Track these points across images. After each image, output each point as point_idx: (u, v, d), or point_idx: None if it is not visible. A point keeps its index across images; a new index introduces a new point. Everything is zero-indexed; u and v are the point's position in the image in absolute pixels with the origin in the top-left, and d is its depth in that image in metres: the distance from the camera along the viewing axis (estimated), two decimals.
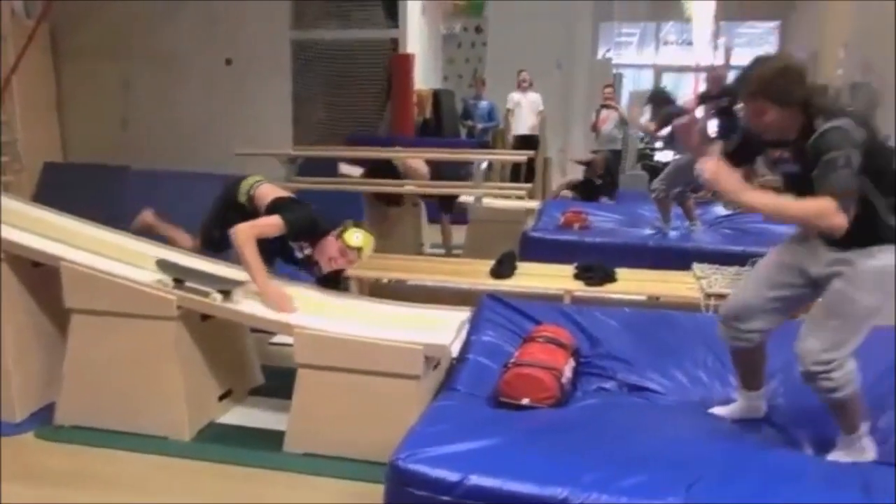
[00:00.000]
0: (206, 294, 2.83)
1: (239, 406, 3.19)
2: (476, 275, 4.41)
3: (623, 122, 7.96)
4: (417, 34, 7.86)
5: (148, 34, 5.59)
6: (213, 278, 2.99)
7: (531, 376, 2.52)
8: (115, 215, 4.37)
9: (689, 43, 11.43)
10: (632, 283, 4.18)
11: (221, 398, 3.12)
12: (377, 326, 2.79)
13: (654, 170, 9.64)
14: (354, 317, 2.94)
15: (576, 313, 3.34)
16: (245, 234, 2.96)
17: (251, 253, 2.95)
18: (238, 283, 2.92)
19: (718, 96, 7.69)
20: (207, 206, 3.60)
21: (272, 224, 3.11)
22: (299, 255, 3.28)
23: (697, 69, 11.15)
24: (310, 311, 2.94)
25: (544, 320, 3.23)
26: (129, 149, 5.33)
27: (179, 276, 2.89)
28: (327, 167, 5.31)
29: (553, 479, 1.85)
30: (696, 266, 4.37)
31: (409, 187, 5.44)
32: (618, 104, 7.94)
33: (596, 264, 4.30)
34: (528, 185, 6.08)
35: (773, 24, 12.00)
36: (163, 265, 2.95)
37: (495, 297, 3.55)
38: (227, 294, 2.85)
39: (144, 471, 2.71)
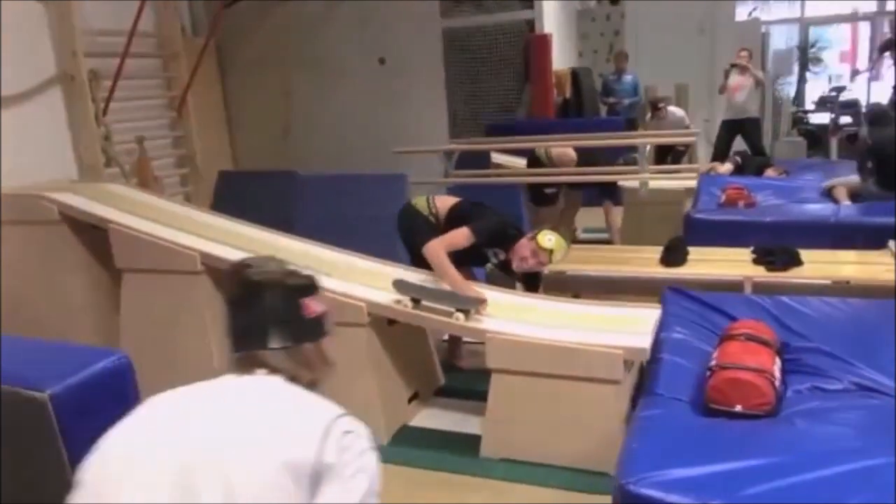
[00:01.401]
0: (448, 314, 2.86)
1: (427, 408, 3.24)
2: (644, 263, 4.25)
3: (759, 85, 7.23)
4: (552, 13, 7.67)
5: (304, 42, 5.77)
6: (450, 297, 2.98)
7: (743, 381, 2.37)
8: (286, 218, 4.58)
9: None
10: (821, 267, 3.87)
11: (410, 400, 3.18)
12: (569, 329, 2.73)
13: (811, 135, 8.98)
14: (543, 318, 2.90)
15: (770, 304, 3.14)
16: (435, 250, 3.07)
17: (445, 265, 3.05)
18: (477, 302, 2.92)
19: None
20: (371, 206, 3.68)
21: (461, 235, 3.16)
22: (494, 260, 3.35)
23: (856, 18, 10.25)
24: (499, 315, 2.92)
25: (735, 313, 3.07)
26: (292, 155, 5.56)
27: (417, 295, 2.94)
28: (482, 160, 5.29)
29: None
30: (893, 244, 4.00)
31: (572, 177, 5.30)
32: (754, 68, 7.17)
33: (777, 247, 4.03)
34: (697, 166, 5.75)
35: None
36: (400, 286, 2.99)
37: (678, 289, 3.40)
38: (467, 313, 2.85)
39: None
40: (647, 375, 2.67)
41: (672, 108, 7.12)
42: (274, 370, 1.25)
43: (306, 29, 5.71)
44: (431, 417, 3.16)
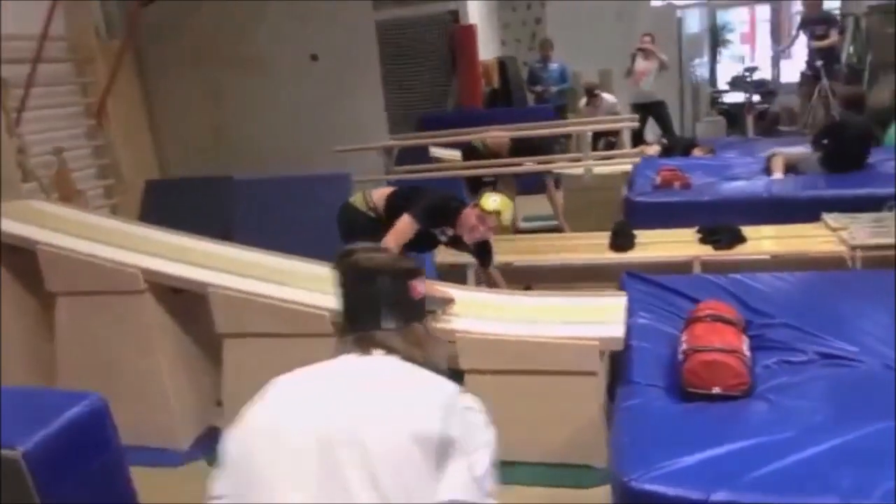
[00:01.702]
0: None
1: None
2: (594, 249, 4.28)
3: (664, 68, 7.35)
4: (475, 3, 7.64)
5: (231, 40, 5.50)
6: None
7: (718, 363, 2.39)
8: (224, 226, 4.37)
9: None
10: (763, 243, 4.00)
11: None
12: (539, 323, 2.69)
13: (728, 114, 9.29)
14: (509, 313, 2.85)
15: (726, 283, 3.21)
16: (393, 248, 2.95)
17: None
18: (444, 302, 2.81)
19: (818, 22, 7.30)
20: (315, 208, 3.54)
21: (404, 224, 3.06)
22: (443, 238, 3.26)
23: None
24: (463, 312, 2.85)
25: (694, 294, 3.11)
26: (224, 159, 5.31)
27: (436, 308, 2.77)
28: (421, 154, 5.20)
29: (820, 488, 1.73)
30: (826, 216, 4.15)
31: (523, 166, 5.28)
32: (658, 52, 7.29)
33: (720, 226, 4.13)
34: (639, 150, 5.83)
35: None
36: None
37: (634, 273, 3.44)
38: (433, 314, 2.70)
39: None
40: (619, 363, 2.67)
41: (604, 95, 7.21)
42: (390, 350, 1.31)
43: (233, 27, 5.46)
44: None
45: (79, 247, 3.14)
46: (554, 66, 7.99)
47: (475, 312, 2.88)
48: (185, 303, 3.12)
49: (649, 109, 7.31)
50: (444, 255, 4.26)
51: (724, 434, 2.03)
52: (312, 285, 3.00)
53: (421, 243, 3.24)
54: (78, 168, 4.52)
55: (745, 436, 2.01)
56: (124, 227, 3.59)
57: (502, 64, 8.02)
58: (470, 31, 7.32)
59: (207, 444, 3.05)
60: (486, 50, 7.98)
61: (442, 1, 6.88)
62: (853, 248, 3.66)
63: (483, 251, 3.44)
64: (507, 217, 3.19)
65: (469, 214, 3.14)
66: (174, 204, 4.55)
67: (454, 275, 4.06)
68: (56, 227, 3.37)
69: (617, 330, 2.58)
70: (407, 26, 6.74)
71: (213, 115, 5.56)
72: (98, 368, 3.14)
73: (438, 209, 3.17)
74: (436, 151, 5.33)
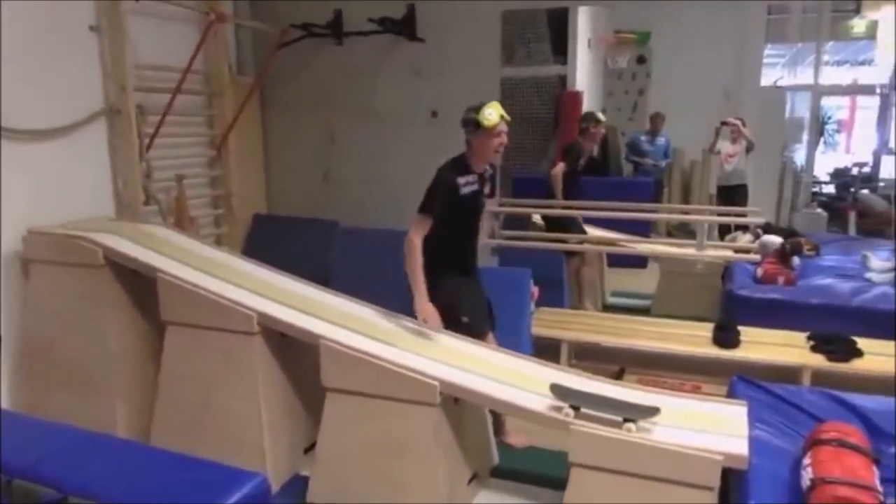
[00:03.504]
0: (616, 424, 2.52)
1: (485, 490, 3.09)
2: (694, 341, 4.14)
3: (750, 150, 7.02)
4: (584, 69, 7.66)
5: (352, 88, 5.65)
6: (615, 404, 2.65)
7: (850, 500, 2.25)
8: (322, 269, 4.42)
9: (862, 62, 10.67)
10: (881, 360, 3.78)
11: (469, 481, 3.02)
12: (661, 426, 2.57)
13: (828, 207, 8.99)
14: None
15: (852, 402, 3.04)
16: (408, 240, 3.12)
17: (411, 263, 3.10)
18: (650, 412, 2.58)
19: None
20: None
21: (418, 220, 3.13)
22: (470, 189, 3.22)
23: (878, 91, 10.37)
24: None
25: (812, 409, 2.96)
26: (330, 203, 5.42)
27: (577, 402, 2.63)
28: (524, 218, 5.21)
29: None
30: None
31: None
32: (747, 133, 7.01)
33: (835, 335, 3.95)
34: (749, 239, 5.67)
35: None
36: (559, 391, 2.70)
37: (746, 379, 3.30)
38: (633, 422, 2.51)
39: None
40: (732, 478, 2.54)
41: (767, 237, 6.78)
42: None
43: (356, 74, 5.60)
44: (491, 501, 3.00)
45: (198, 280, 3.21)
46: (661, 139, 7.92)
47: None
48: (291, 348, 3.14)
49: (733, 193, 7.12)
50: (539, 326, 4.22)
51: None
52: (421, 349, 2.98)
53: (464, 221, 3.25)
54: (194, 196, 4.67)
55: None
56: (240, 263, 3.66)
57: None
58: (576, 97, 7.31)
59: (292, 492, 3.04)
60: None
61: (555, 65, 6.90)
62: None
63: (492, 183, 3.45)
64: (498, 113, 3.12)
65: (476, 146, 3.16)
66: (278, 240, 4.64)
67: (548, 348, 4.00)
68: (175, 256, 3.46)
69: (741, 446, 2.45)
70: (522, 86, 6.80)
71: (325, 158, 5.69)
72: (197, 402, 3.19)
73: (432, 187, 3.15)
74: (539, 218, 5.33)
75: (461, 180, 3.18)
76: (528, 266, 4.28)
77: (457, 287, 3.23)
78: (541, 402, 2.68)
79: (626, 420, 2.52)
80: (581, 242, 5.21)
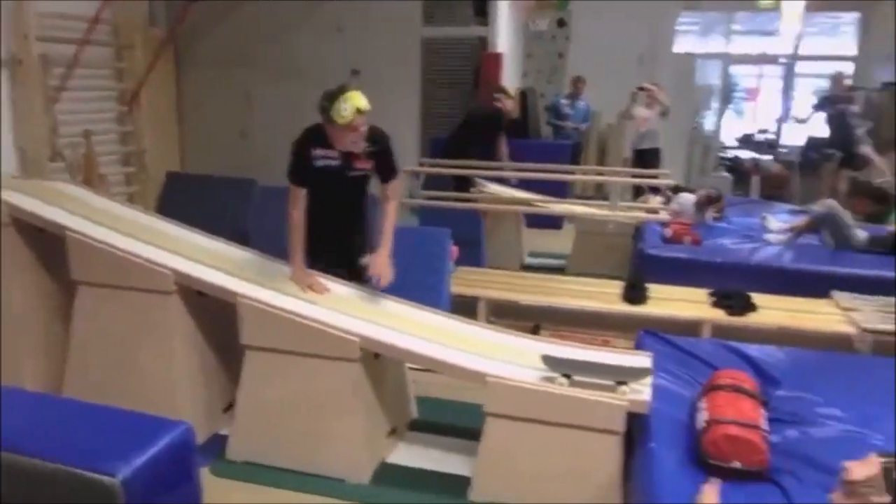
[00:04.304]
0: (610, 389, 2.61)
1: (403, 443, 3.17)
2: (605, 298, 4.33)
3: (665, 114, 7.32)
4: (504, 31, 7.71)
5: (272, 45, 5.49)
6: (608, 369, 2.74)
7: (739, 438, 2.42)
8: (240, 230, 4.35)
9: (769, 33, 11.09)
10: (773, 314, 4.07)
11: (388, 436, 3.10)
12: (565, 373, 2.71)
13: (735, 171, 9.42)
14: (524, 357, 2.87)
15: (742, 351, 3.27)
16: (288, 215, 3.14)
17: (287, 232, 3.16)
18: (639, 372, 2.71)
19: (841, 101, 7.46)
20: None
21: (292, 192, 3.14)
22: (332, 163, 3.10)
23: (782, 61, 10.84)
24: (470, 348, 2.88)
25: (710, 360, 3.17)
26: (248, 161, 5.29)
27: (570, 371, 2.68)
28: (445, 180, 5.26)
29: None
30: (836, 294, 4.25)
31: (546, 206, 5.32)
32: (662, 97, 7.27)
33: (733, 291, 4.21)
34: (661, 200, 5.89)
35: (853, 16, 11.57)
36: (550, 361, 2.74)
37: (652, 332, 3.49)
38: (623, 383, 2.63)
39: None
40: (637, 423, 2.70)
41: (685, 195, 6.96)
42: None
43: (275, 31, 5.45)
44: (410, 454, 3.09)
45: (111, 239, 3.13)
46: (581, 103, 8.08)
47: (491, 353, 2.90)
48: (208, 307, 3.11)
49: (646, 156, 7.38)
50: (458, 286, 4.31)
51: None
52: (341, 306, 3.01)
53: (323, 188, 3.14)
54: (104, 153, 4.49)
55: None
56: (154, 222, 3.57)
57: (523, 94, 8.09)
58: (496, 59, 7.38)
59: (211, 451, 3.04)
60: (509, 79, 8.06)
61: (476, 26, 6.91)
62: (863, 331, 3.75)
63: (384, 162, 3.23)
64: (364, 103, 2.95)
65: (336, 131, 2.97)
66: (193, 199, 4.53)
67: (466, 306, 4.10)
68: (86, 215, 3.35)
69: (645, 393, 2.61)
70: (443, 47, 6.78)
71: (242, 116, 5.55)
72: (111, 363, 3.13)
73: (292, 156, 3.14)
74: (484, 185, 5.42)
75: (317, 152, 3.07)
76: (448, 226, 4.34)
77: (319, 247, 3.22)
78: (459, 356, 2.78)
79: (619, 383, 2.62)
80: (497, 203, 5.33)
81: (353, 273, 3.28)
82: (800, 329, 3.90)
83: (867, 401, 2.83)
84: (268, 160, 5.46)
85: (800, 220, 5.44)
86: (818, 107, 7.89)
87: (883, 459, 1.83)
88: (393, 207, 3.27)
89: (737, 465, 2.39)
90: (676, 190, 6.74)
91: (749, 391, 2.74)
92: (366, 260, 3.22)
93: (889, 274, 4.49)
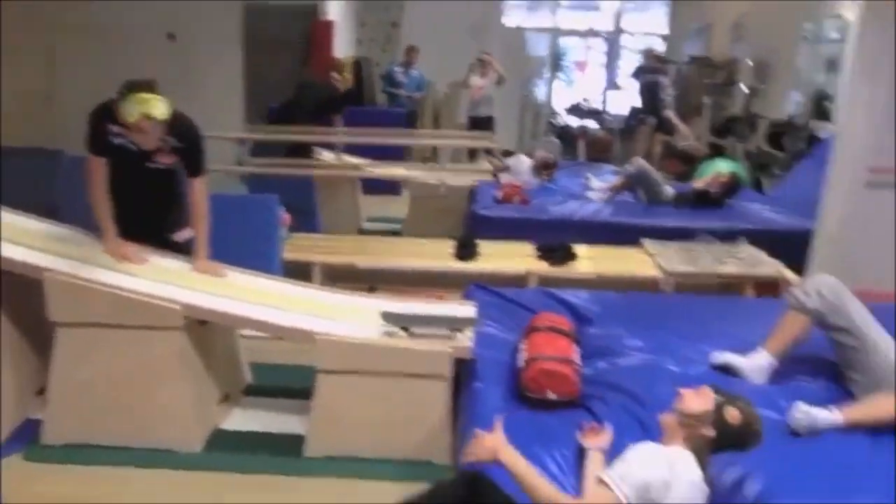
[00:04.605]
0: (449, 338, 2.73)
1: (238, 409, 3.12)
2: (438, 256, 4.46)
3: (501, 83, 7.71)
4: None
5: (78, 3, 5.02)
6: (442, 319, 2.84)
7: (554, 371, 2.62)
8: (49, 204, 4.04)
9: (594, 9, 11.73)
10: (592, 262, 4.37)
11: (220, 403, 3.04)
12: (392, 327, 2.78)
13: (563, 137, 9.95)
14: (357, 315, 2.92)
15: (562, 296, 3.51)
16: (89, 184, 2.97)
17: (93, 203, 2.99)
18: (470, 321, 2.83)
19: (652, 72, 8.05)
20: None
21: (88, 164, 2.97)
22: (131, 147, 2.92)
23: (605, 35, 11.52)
24: (303, 310, 2.89)
25: (533, 306, 3.37)
26: (54, 130, 4.83)
27: (408, 324, 2.76)
28: (276, 147, 5.14)
29: None
30: (645, 242, 4.64)
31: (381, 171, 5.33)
32: (496, 66, 7.61)
33: (557, 244, 4.47)
34: (489, 168, 6.08)
35: None
36: (389, 317, 2.77)
37: (480, 285, 3.66)
38: (459, 331, 2.76)
39: (156, 488, 2.61)
40: (465, 368, 2.84)
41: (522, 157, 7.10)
42: None
43: None
44: (244, 419, 3.05)
45: None
46: (415, 72, 8.16)
47: (325, 312, 2.93)
48: (12, 285, 2.88)
49: (481, 123, 7.65)
50: (291, 251, 4.27)
51: (555, 434, 2.26)
52: (162, 276, 2.90)
53: (121, 166, 2.97)
54: None
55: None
56: None
57: (357, 63, 8.05)
58: (327, 27, 7.29)
59: (24, 436, 2.84)
60: (342, 47, 7.98)
61: None
62: (666, 273, 4.14)
63: (189, 159, 3.07)
64: (160, 111, 2.77)
65: (135, 127, 2.78)
66: None
67: (300, 272, 4.07)
68: None
69: (468, 339, 2.74)
70: (270, 16, 6.58)
71: (45, 81, 5.08)
72: None
73: (88, 125, 2.96)
74: (322, 154, 5.34)
75: (114, 129, 2.89)
76: (280, 194, 4.27)
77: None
78: (288, 317, 2.78)
79: (453, 330, 2.71)
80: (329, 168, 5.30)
81: (168, 248, 3.15)
82: (615, 275, 4.23)
83: (667, 332, 3.14)
84: (76, 128, 5.08)
85: (616, 180, 5.87)
86: (633, 76, 8.49)
87: (718, 397, 1.99)
88: (201, 208, 3.07)
89: (552, 396, 2.59)
90: (508, 154, 7.05)
91: (564, 331, 2.95)
92: (183, 235, 3.11)
93: (691, 224, 4.99)
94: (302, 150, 5.32)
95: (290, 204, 4.43)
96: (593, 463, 2.12)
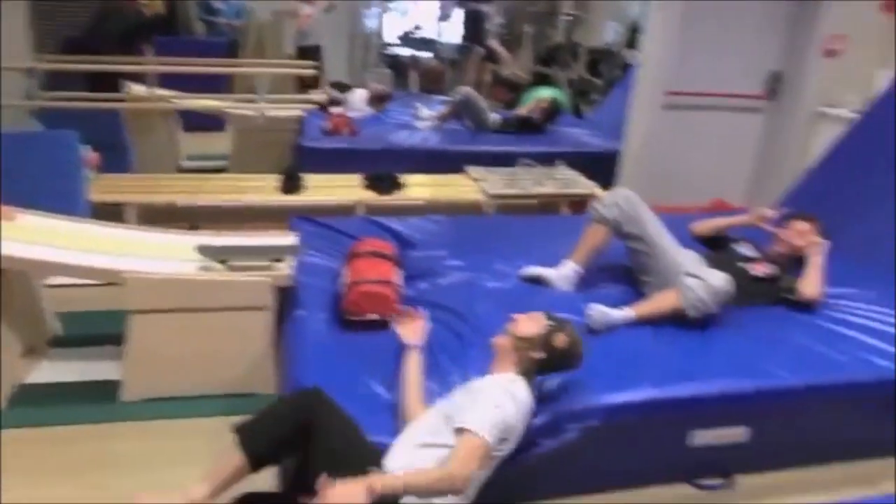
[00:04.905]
0: (267, 269, 2.67)
1: (45, 361, 2.92)
2: (263, 191, 4.34)
3: (330, 10, 7.54)
4: None
5: None
6: (261, 249, 2.76)
7: (374, 293, 2.66)
8: None
9: None
10: (419, 189, 4.44)
11: (23, 356, 2.83)
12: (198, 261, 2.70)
13: (395, 67, 9.85)
14: (172, 253, 2.80)
15: (386, 224, 3.56)
16: None
17: None
18: (291, 249, 2.80)
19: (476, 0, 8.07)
20: None
21: None
22: None
23: None
24: (110, 251, 2.74)
25: (357, 234, 3.39)
26: None
27: (226, 256, 2.63)
28: (76, 80, 4.68)
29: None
30: (470, 168, 4.77)
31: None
32: None
33: (384, 173, 4.48)
34: (322, 97, 5.86)
35: None
36: (206, 251, 2.64)
37: (304, 216, 3.62)
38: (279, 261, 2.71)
39: None
40: (289, 298, 2.82)
41: (359, 91, 6.84)
42: None
43: None
44: (53, 371, 2.86)
45: None
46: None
47: (138, 252, 2.78)
48: None
49: (308, 53, 7.41)
50: (100, 192, 3.97)
51: (380, 355, 2.33)
52: None
53: None
54: None
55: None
56: None
57: None
58: None
59: None
60: None
61: None
62: (489, 196, 4.29)
63: None
64: None
65: None
66: None
67: (112, 214, 3.81)
68: None
69: (288, 268, 2.71)
70: None
71: None
72: None
73: None
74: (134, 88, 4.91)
75: None
76: (84, 131, 3.93)
77: None
78: (93, 258, 2.62)
79: (274, 260, 2.64)
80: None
81: None
82: (441, 200, 4.33)
83: (487, 252, 3.29)
84: None
85: (444, 108, 5.94)
86: (458, 5, 8.50)
87: (549, 322, 2.11)
88: None
89: (374, 316, 2.64)
90: (345, 89, 6.90)
91: (387, 255, 3.01)
92: None
93: (514, 149, 5.18)
94: (108, 84, 4.89)
95: (97, 142, 4.10)
96: (412, 365, 2.19)
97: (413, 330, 2.31)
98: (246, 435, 1.87)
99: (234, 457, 1.85)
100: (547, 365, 2.09)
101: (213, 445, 2.39)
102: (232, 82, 6.79)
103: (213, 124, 6.36)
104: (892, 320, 2.83)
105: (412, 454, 1.83)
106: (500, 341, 2.10)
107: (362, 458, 1.80)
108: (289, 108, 5.28)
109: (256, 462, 1.87)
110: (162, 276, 2.53)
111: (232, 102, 5.44)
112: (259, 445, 1.86)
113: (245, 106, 5.05)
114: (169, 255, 2.80)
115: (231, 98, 5.66)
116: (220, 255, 2.71)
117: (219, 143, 6.08)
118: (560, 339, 2.08)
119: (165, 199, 4.15)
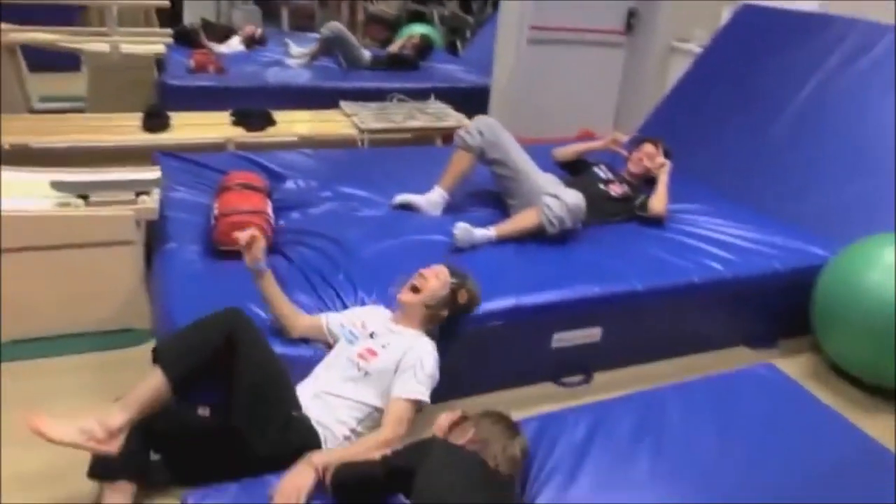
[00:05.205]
0: (130, 203, 2.56)
1: None
2: (125, 131, 4.15)
3: None
4: None
5: None
6: (123, 183, 2.65)
7: (244, 223, 2.63)
8: None
9: None
10: (291, 125, 4.39)
11: None
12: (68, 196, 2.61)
13: (264, 3, 9.46)
14: (26, 191, 2.67)
15: (256, 158, 3.53)
16: None
17: None
18: (154, 182, 2.70)
19: None
20: None
21: None
22: None
23: None
24: None
25: (227, 169, 3.34)
26: None
27: (85, 191, 2.49)
28: None
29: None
30: (343, 104, 4.76)
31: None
32: None
33: (254, 109, 4.39)
34: (168, 31, 5.55)
35: None
36: (61, 186, 2.48)
37: (168, 153, 3.52)
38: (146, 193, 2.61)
39: None
40: (157, 233, 2.77)
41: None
42: None
43: None
44: None
45: None
46: None
47: (8, 192, 2.63)
48: None
49: None
50: None
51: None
52: None
53: None
54: None
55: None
56: None
57: None
58: None
59: None
60: None
61: None
62: (362, 131, 4.32)
63: None
64: None
65: None
66: None
67: None
68: None
69: (153, 201, 2.66)
70: None
71: None
72: None
73: None
74: None
75: None
76: None
77: None
78: None
79: (139, 194, 2.57)
80: None
81: None
82: (314, 136, 4.31)
83: (359, 183, 3.35)
84: None
85: (314, 45, 5.84)
86: None
87: (452, 280, 2.16)
88: None
89: None
90: (206, 26, 6.59)
91: (257, 187, 3.00)
92: None
93: (387, 85, 5.20)
94: None
95: None
96: (266, 285, 2.16)
97: (252, 256, 2.16)
98: (166, 356, 1.83)
99: (154, 378, 1.80)
100: (450, 318, 2.19)
101: (92, 380, 2.38)
102: (86, 15, 6.34)
103: (67, 63, 5.95)
104: (728, 231, 3.14)
105: (327, 404, 1.93)
106: (407, 299, 2.13)
107: (285, 401, 1.87)
108: (147, 43, 5.01)
109: (177, 384, 1.82)
110: (16, 214, 2.42)
111: (73, 36, 5.09)
112: (180, 366, 1.82)
113: (97, 39, 4.75)
114: (25, 193, 2.67)
115: (84, 32, 5.30)
116: (77, 190, 2.62)
117: (74, 84, 5.71)
118: (462, 296, 2.18)
119: (17, 140, 3.89)
